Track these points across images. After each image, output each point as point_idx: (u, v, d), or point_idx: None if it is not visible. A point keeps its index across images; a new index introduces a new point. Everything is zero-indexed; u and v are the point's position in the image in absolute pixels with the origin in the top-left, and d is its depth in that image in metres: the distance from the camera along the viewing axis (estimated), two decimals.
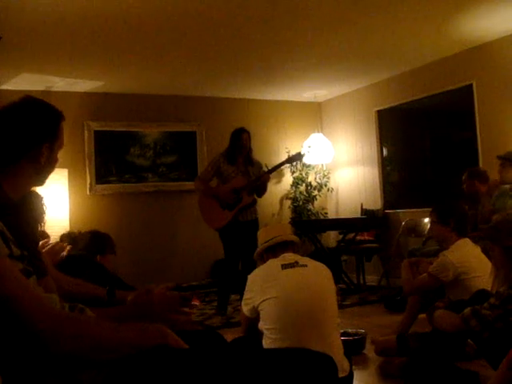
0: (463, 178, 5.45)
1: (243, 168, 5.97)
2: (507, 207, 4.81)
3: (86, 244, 3.98)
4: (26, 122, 1.79)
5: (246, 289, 3.07)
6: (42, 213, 2.50)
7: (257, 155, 6.27)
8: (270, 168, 6.20)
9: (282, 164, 6.22)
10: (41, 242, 2.65)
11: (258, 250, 3.25)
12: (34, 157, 1.79)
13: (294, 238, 3.23)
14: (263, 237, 3.25)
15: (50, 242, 3.43)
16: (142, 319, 1.93)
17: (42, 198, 2.52)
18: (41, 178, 1.87)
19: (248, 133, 6.02)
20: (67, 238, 4.11)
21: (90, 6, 4.44)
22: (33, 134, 1.79)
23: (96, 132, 7.20)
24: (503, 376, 2.10)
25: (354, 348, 3.89)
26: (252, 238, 5.91)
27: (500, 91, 5.97)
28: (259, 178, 5.88)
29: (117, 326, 1.49)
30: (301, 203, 8.11)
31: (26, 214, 2.06)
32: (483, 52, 6.12)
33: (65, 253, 3.15)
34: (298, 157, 6.21)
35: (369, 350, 4.00)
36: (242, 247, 5.93)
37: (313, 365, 1.53)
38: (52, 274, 2.16)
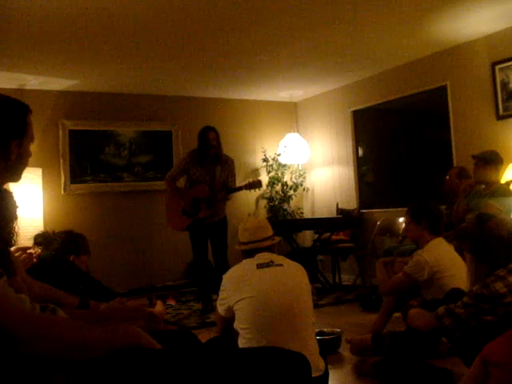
0: (448, 177, 5.48)
1: (211, 170, 5.85)
2: (481, 207, 4.86)
3: (60, 244, 3.93)
4: None
5: (221, 288, 3.07)
6: (15, 210, 2.42)
7: (232, 155, 6.23)
8: (229, 188, 5.92)
9: (240, 189, 5.95)
10: (13, 248, 2.58)
11: (236, 247, 3.26)
12: (4, 154, 1.75)
13: (272, 242, 3.20)
14: (242, 236, 3.22)
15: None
16: (115, 322, 1.91)
17: (11, 193, 2.43)
18: (13, 174, 1.82)
19: (215, 131, 5.85)
20: (41, 237, 4.04)
21: (64, 3, 4.39)
22: None
23: (70, 131, 7.11)
24: (476, 373, 2.12)
25: (329, 347, 3.91)
26: (221, 237, 5.90)
27: (473, 92, 6.04)
28: (216, 196, 5.77)
29: (89, 327, 1.48)
30: (276, 203, 8.12)
31: None
32: (456, 53, 6.19)
33: (34, 259, 3.07)
34: (258, 184, 5.94)
35: (344, 350, 4.02)
36: (213, 247, 5.92)
37: (286, 363, 1.53)
38: (22, 277, 2.12)
